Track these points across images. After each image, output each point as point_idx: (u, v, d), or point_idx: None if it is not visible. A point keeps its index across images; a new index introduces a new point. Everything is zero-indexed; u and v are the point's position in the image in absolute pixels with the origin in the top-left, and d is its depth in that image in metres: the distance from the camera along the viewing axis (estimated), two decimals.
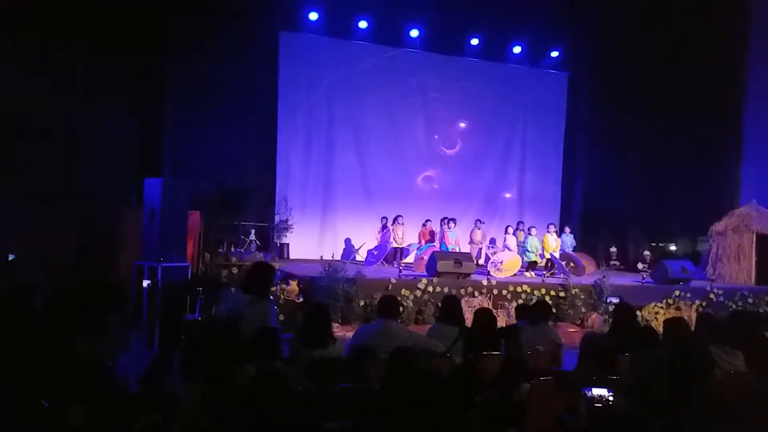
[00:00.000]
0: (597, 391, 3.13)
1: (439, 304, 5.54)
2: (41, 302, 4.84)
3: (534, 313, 5.53)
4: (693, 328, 5.02)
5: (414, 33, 14.72)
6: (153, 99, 12.71)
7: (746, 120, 15.78)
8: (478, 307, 8.06)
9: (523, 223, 14.08)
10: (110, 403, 3.14)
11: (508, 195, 16.07)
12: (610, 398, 3.10)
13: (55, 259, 8.65)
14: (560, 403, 3.39)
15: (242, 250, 11.01)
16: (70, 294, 4.47)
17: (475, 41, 15.19)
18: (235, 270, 10.09)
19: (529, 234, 12.68)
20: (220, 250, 10.77)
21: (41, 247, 8.67)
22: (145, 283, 7.33)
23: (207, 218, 10.74)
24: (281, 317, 8.36)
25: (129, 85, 12.08)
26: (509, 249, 12.49)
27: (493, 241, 14.04)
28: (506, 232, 13.17)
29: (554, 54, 15.92)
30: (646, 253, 12.53)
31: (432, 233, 13.05)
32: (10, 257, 8.20)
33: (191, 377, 3.34)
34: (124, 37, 11.54)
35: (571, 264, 12.40)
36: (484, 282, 10.02)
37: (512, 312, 8.56)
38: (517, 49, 15.62)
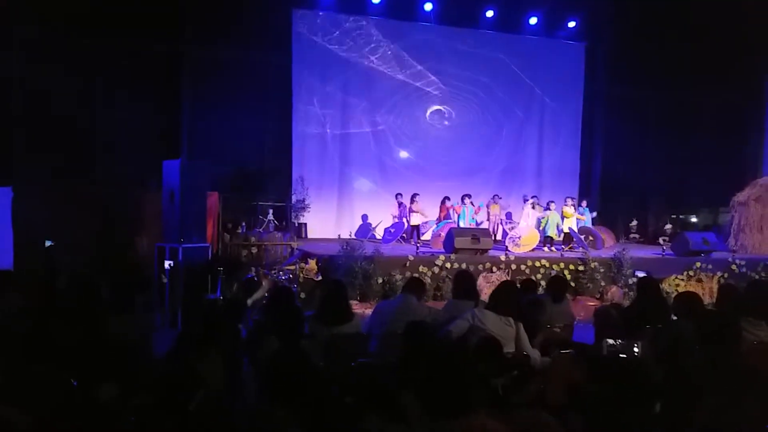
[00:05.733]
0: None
1: (451, 279, 5.45)
2: (65, 283, 4.93)
3: (554, 288, 5.49)
4: (715, 300, 4.96)
5: (428, 6, 14.51)
6: (170, 83, 12.87)
7: None
8: (497, 282, 8.04)
9: (537, 197, 13.97)
10: (138, 380, 3.21)
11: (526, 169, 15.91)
12: (636, 350, 3.06)
13: (78, 241, 8.79)
14: (580, 377, 3.38)
15: (260, 230, 11.11)
16: (96, 275, 4.56)
17: (490, 13, 14.94)
18: (254, 250, 10.20)
19: (548, 209, 12.58)
20: (239, 231, 10.89)
21: (66, 230, 8.80)
22: (167, 263, 7.41)
23: (225, 199, 10.83)
24: (302, 295, 8.46)
25: (147, 71, 12.24)
26: (529, 223, 12.36)
27: (509, 216, 13.96)
28: (524, 204, 13.07)
29: (571, 24, 15.61)
30: (668, 226, 12.35)
31: (447, 210, 12.99)
32: (47, 243, 8.33)
33: None
34: (140, 23, 11.65)
35: (590, 237, 12.29)
36: (502, 257, 9.98)
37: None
38: (533, 20, 15.33)
